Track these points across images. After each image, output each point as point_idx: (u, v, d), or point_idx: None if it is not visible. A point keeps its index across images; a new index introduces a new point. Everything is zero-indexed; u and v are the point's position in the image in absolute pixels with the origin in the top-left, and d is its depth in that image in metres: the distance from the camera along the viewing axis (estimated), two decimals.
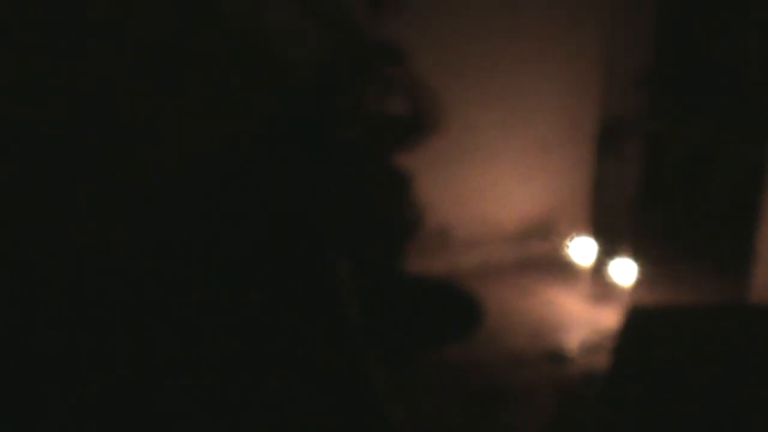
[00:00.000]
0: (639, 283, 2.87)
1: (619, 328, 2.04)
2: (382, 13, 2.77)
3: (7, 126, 2.28)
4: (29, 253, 2.35)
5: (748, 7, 3.88)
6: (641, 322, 1.84)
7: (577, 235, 3.30)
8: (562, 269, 3.27)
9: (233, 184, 2.34)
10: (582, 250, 2.97)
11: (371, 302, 2.05)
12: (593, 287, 3.00)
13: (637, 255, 2.83)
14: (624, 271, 2.70)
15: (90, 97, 2.36)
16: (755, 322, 1.95)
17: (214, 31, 2.49)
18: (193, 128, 2.49)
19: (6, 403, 1.91)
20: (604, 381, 2.00)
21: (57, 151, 2.35)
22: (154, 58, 2.40)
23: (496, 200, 3.24)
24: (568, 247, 3.29)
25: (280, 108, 2.43)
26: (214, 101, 2.50)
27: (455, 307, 2.41)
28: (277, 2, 2.54)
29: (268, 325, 2.12)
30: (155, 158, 2.46)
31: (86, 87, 2.35)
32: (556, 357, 2.41)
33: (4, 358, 2.09)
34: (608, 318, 2.74)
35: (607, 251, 3.12)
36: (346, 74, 2.24)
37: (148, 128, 2.44)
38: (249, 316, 2.18)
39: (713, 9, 3.94)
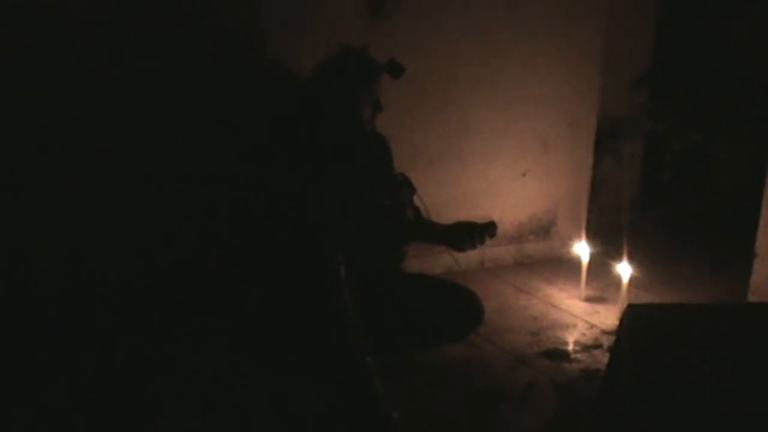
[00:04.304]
0: (637, 283, 2.88)
1: (617, 326, 2.04)
2: (382, 13, 2.78)
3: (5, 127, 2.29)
4: (29, 253, 2.36)
5: (748, 7, 3.88)
6: (639, 321, 1.84)
7: (576, 234, 3.30)
8: (561, 268, 3.28)
9: (234, 187, 2.35)
10: (581, 249, 2.97)
11: (371, 302, 2.05)
12: (592, 286, 3.00)
13: (635, 254, 2.83)
14: (623, 271, 2.70)
15: (91, 101, 2.37)
16: (754, 321, 1.95)
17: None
18: (195, 132, 2.49)
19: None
20: (602, 379, 2.00)
21: (61, 154, 2.36)
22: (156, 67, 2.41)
23: (496, 200, 3.24)
24: (567, 246, 3.29)
25: (280, 112, 2.44)
26: (216, 106, 2.51)
27: (455, 306, 2.41)
28: None
29: (268, 326, 2.12)
30: (159, 161, 2.47)
31: (90, 93, 2.36)
32: (555, 356, 2.41)
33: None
34: (607, 317, 2.74)
35: (606, 250, 3.13)
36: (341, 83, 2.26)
37: (152, 133, 2.45)
38: (249, 317, 2.19)
39: (712, 9, 3.95)
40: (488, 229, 2.31)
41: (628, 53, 3.74)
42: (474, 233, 2.30)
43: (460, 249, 2.36)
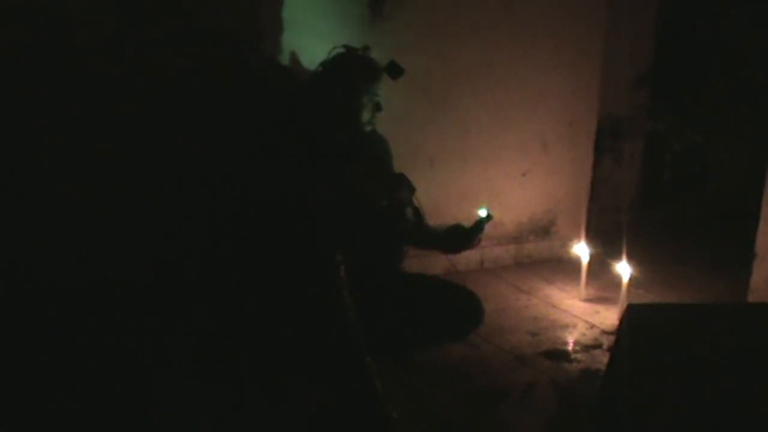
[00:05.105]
0: (637, 282, 2.88)
1: (617, 326, 2.05)
2: (382, 13, 2.78)
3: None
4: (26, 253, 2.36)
5: (748, 7, 3.89)
6: (639, 320, 1.84)
7: (576, 234, 3.30)
8: (560, 268, 3.28)
9: (234, 187, 2.35)
10: (581, 249, 2.97)
11: (371, 302, 2.05)
12: (592, 286, 3.00)
13: (635, 254, 2.83)
14: (622, 270, 2.70)
15: (91, 101, 2.37)
16: (754, 321, 1.95)
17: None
18: (194, 132, 2.49)
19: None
20: (602, 379, 2.00)
21: (61, 154, 2.36)
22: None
23: (495, 200, 3.24)
24: (566, 246, 3.29)
25: (280, 112, 2.44)
26: (216, 106, 2.51)
27: (455, 306, 2.42)
28: None
29: (267, 326, 2.12)
30: (159, 161, 2.47)
31: (90, 93, 2.36)
32: (555, 356, 2.41)
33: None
34: (607, 317, 2.75)
35: (606, 250, 3.13)
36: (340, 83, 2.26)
37: (152, 133, 2.45)
38: (248, 317, 2.18)
39: (712, 9, 3.95)
40: (479, 228, 2.34)
41: (628, 53, 3.74)
42: (470, 239, 2.34)
43: (456, 252, 2.40)
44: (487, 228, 2.38)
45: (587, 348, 2.48)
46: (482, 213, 2.35)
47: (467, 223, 2.39)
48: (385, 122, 2.38)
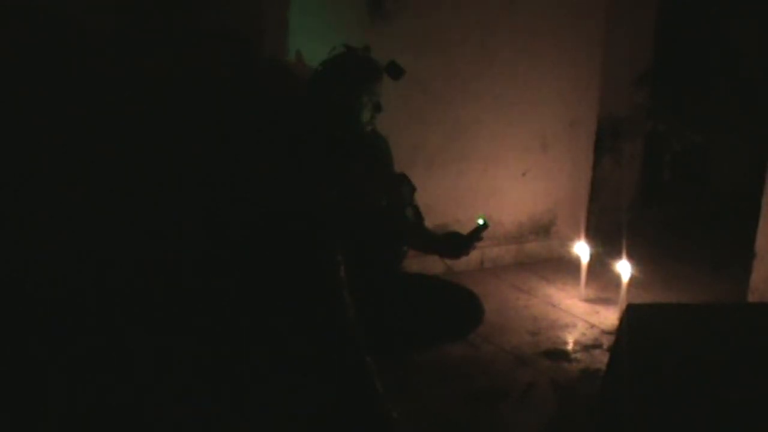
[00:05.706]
0: (637, 282, 2.88)
1: (617, 326, 2.05)
2: (382, 13, 2.78)
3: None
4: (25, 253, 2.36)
5: (747, 6, 3.89)
6: (639, 320, 1.84)
7: (576, 234, 3.30)
8: (560, 268, 3.28)
9: (234, 187, 2.35)
10: (580, 249, 2.97)
11: (371, 302, 2.05)
12: (592, 286, 3.00)
13: (635, 254, 2.83)
14: (622, 270, 2.70)
15: (91, 101, 2.37)
16: (754, 321, 1.95)
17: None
18: (195, 132, 2.49)
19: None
20: (602, 379, 2.00)
21: (61, 154, 2.36)
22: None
23: (495, 200, 3.25)
24: (566, 246, 3.29)
25: (280, 112, 2.44)
26: (216, 106, 2.51)
27: (455, 306, 2.42)
28: None
29: (267, 326, 2.12)
30: (159, 161, 2.47)
31: (90, 93, 2.36)
32: (555, 356, 2.41)
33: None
34: (607, 317, 2.75)
35: (606, 250, 3.13)
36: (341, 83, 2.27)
37: (152, 133, 2.45)
38: (248, 317, 2.19)
39: (713, 9, 3.95)
40: (476, 236, 2.37)
41: (628, 53, 3.74)
42: (466, 244, 2.39)
43: (453, 258, 2.46)
44: (485, 232, 2.39)
45: (587, 348, 2.48)
46: (480, 221, 2.37)
47: (467, 223, 2.40)
48: (385, 122, 2.38)
